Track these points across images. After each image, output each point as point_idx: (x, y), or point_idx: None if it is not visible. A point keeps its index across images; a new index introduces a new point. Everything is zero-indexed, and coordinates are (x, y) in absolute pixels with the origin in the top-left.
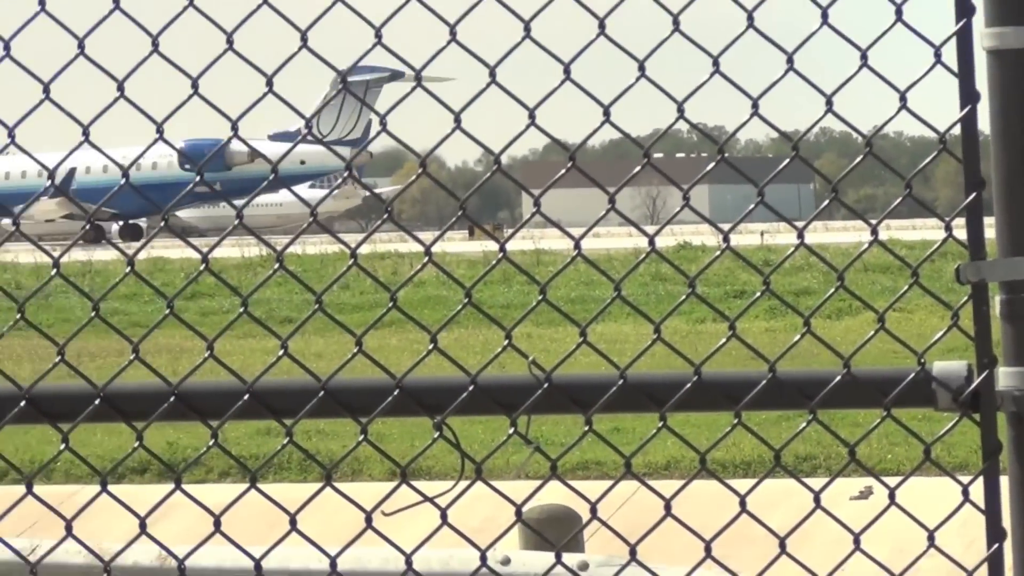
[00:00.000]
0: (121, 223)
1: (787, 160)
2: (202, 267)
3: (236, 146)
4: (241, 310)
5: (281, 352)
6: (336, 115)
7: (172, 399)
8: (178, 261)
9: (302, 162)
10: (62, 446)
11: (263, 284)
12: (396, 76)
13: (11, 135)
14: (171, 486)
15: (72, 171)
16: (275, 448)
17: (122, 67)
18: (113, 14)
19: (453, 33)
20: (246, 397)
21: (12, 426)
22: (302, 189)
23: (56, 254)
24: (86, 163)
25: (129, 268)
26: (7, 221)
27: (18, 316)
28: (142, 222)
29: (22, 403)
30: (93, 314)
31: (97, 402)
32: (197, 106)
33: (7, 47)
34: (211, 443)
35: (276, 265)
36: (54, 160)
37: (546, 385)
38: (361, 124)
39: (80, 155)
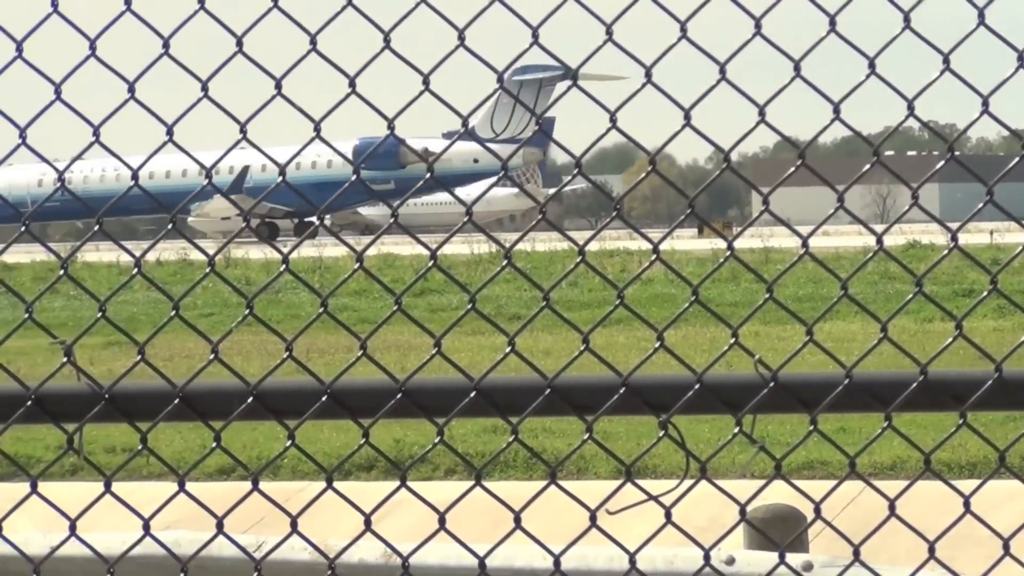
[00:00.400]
0: (296, 220)
1: (1017, 158)
2: (431, 263)
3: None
4: (469, 307)
5: (508, 349)
6: (510, 113)
7: (399, 396)
8: (408, 257)
9: (475, 160)
10: (288, 442)
11: (491, 281)
12: (568, 74)
13: (243, 131)
14: (397, 483)
15: (246, 168)
16: (501, 446)
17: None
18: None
19: (684, 30)
20: (472, 394)
21: (240, 422)
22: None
23: (283, 250)
24: (263, 160)
25: (358, 265)
26: (192, 219)
27: (247, 312)
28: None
29: (249, 399)
30: (321, 310)
31: (324, 399)
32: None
33: (241, 45)
34: (437, 440)
35: (504, 262)
36: (230, 158)
37: (772, 384)
38: (534, 122)
39: (257, 152)
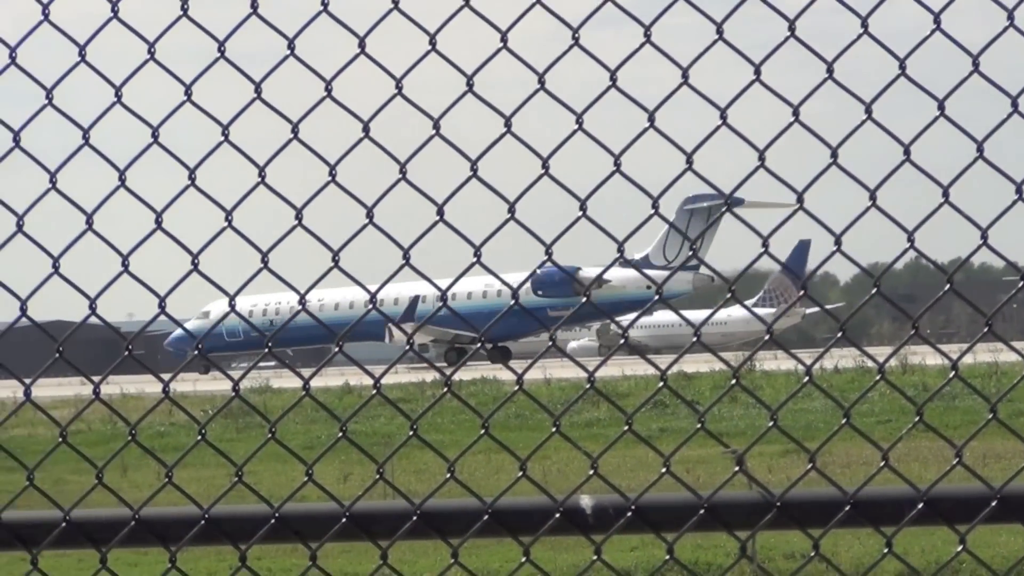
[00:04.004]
0: (491, 346)
1: None
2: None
3: (585, 273)
4: None
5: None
6: (680, 241)
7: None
8: None
9: (648, 287)
10: (960, 546)
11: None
12: (736, 202)
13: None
14: None
15: (417, 297)
16: None
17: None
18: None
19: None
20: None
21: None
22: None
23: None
24: (452, 290)
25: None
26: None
27: (917, 418)
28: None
29: (919, 506)
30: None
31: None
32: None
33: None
34: None
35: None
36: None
37: None
38: (704, 248)
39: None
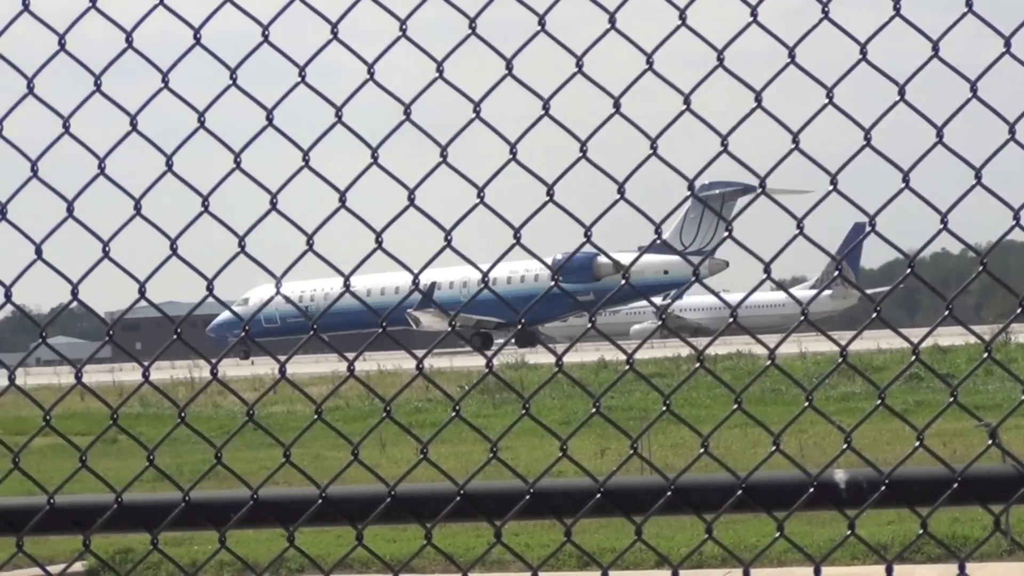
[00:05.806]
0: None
1: None
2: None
3: (604, 258)
4: None
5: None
6: (696, 227)
7: None
8: None
9: (665, 272)
10: None
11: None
12: (748, 189)
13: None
14: None
15: (433, 284)
16: None
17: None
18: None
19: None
20: None
21: None
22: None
23: None
24: (478, 277)
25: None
26: (437, 325)
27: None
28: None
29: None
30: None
31: None
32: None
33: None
34: None
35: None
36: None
37: None
38: (719, 235)
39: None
